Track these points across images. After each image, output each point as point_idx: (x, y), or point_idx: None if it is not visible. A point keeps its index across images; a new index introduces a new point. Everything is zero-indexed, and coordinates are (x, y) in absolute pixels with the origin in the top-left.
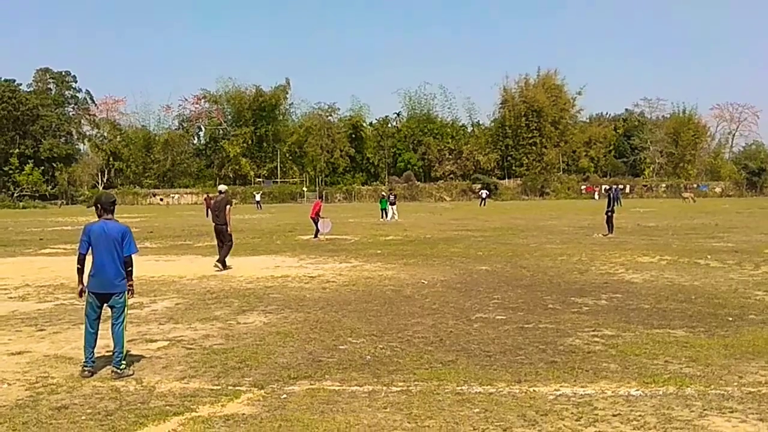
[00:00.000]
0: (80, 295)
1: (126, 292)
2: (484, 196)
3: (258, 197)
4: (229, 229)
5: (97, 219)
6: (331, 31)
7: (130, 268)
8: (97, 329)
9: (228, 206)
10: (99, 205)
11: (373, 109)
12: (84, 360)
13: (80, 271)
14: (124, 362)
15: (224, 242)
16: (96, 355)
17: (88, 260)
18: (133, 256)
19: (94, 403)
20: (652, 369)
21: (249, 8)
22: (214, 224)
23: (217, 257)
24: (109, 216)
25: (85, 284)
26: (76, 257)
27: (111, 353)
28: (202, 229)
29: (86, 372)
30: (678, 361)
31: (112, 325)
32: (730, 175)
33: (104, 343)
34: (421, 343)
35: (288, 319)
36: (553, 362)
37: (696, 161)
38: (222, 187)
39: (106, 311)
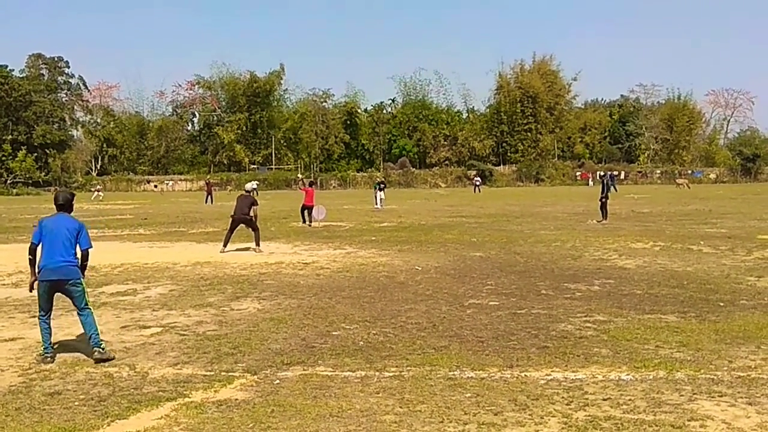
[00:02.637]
0: (31, 290)
1: (81, 280)
2: (477, 183)
3: (255, 184)
4: (255, 220)
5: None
6: (325, 16)
7: (85, 263)
8: (50, 319)
9: (254, 206)
10: (54, 203)
11: (368, 95)
12: (44, 348)
13: (32, 263)
14: (103, 342)
15: (253, 228)
16: (80, 342)
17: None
18: (90, 250)
19: (87, 388)
20: (643, 354)
21: None
22: (234, 215)
23: (222, 245)
24: (65, 213)
25: (38, 275)
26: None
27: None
28: (196, 215)
29: (49, 358)
30: (669, 346)
31: (79, 315)
32: (724, 161)
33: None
34: (414, 329)
35: (281, 306)
36: (544, 347)
37: (691, 147)
38: (248, 186)
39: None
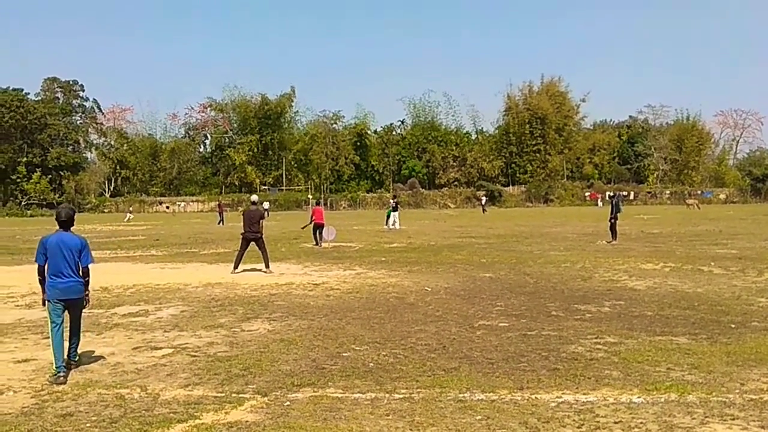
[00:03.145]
0: (44, 304)
1: (83, 299)
2: (483, 202)
3: (267, 205)
4: (263, 236)
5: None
6: (335, 39)
7: (87, 279)
8: (63, 331)
9: (262, 219)
10: (57, 219)
11: (378, 117)
12: (57, 367)
13: (42, 282)
14: (78, 357)
15: (260, 248)
16: (92, 363)
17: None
18: (90, 266)
19: (98, 410)
20: (654, 376)
21: (254, 16)
22: (244, 233)
23: (233, 266)
24: (66, 230)
25: (47, 295)
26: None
27: (108, 362)
28: (207, 236)
29: (62, 378)
30: (680, 368)
31: (72, 321)
32: (734, 181)
33: (104, 351)
34: (424, 351)
35: (292, 327)
36: (555, 369)
37: (700, 168)
38: (254, 198)
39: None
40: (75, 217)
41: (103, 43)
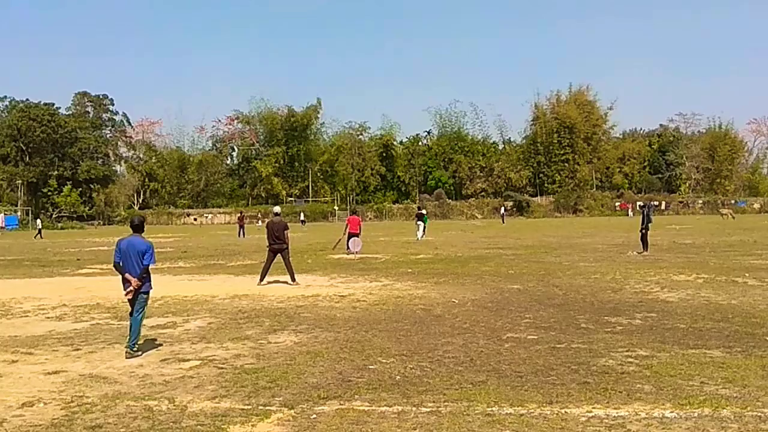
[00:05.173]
0: (131, 284)
1: (147, 293)
2: (502, 212)
3: (302, 216)
4: (288, 248)
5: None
6: (361, 51)
7: (144, 275)
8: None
9: (286, 230)
10: (130, 225)
11: (404, 128)
12: (128, 344)
13: (120, 272)
14: (136, 346)
15: (285, 259)
16: (121, 375)
17: None
18: (151, 267)
19: (127, 422)
20: (688, 390)
21: (280, 29)
22: (270, 245)
23: (259, 278)
24: (137, 234)
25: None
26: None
27: (136, 374)
28: (234, 248)
29: (128, 354)
30: (714, 382)
31: (133, 315)
32: None
33: (133, 362)
34: (451, 363)
35: (318, 339)
36: (585, 383)
37: (733, 177)
38: (277, 209)
39: None
40: (142, 224)
41: (132, 58)
